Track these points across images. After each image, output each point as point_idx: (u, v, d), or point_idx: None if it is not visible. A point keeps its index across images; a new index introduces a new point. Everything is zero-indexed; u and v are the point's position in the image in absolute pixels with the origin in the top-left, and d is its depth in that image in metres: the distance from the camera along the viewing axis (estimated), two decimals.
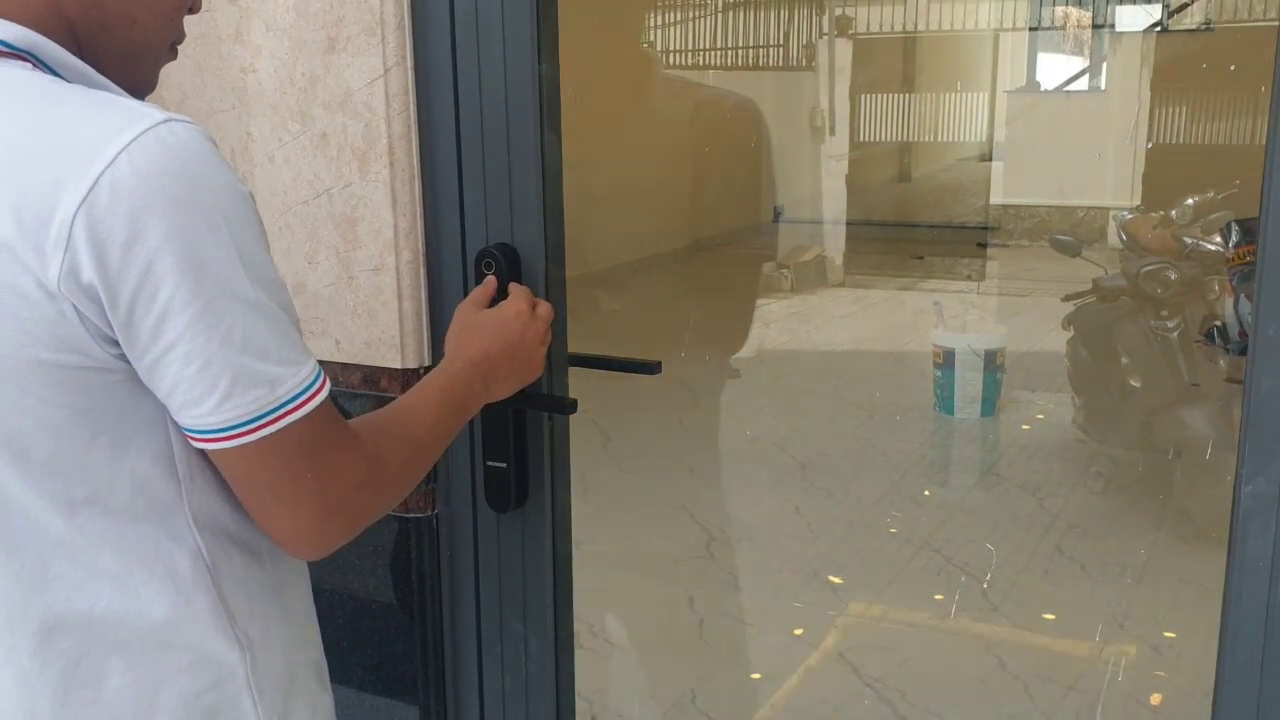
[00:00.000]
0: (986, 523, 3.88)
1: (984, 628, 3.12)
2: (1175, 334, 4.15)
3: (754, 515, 3.88)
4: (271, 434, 0.88)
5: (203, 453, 0.93)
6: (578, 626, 1.60)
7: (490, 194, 1.40)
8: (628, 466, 4.11)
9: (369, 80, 1.38)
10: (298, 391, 0.89)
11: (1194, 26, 9.34)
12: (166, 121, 0.83)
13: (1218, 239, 4.20)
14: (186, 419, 0.87)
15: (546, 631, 1.50)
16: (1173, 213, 4.43)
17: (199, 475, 0.93)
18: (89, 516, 0.90)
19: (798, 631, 3.11)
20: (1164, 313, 4.20)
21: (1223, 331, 3.94)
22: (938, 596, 3.29)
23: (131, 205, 0.80)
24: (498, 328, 1.24)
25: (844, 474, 4.37)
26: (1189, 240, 4.25)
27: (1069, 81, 9.99)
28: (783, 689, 2.85)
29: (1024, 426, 4.95)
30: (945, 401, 4.83)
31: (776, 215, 10.23)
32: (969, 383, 4.75)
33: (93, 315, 0.83)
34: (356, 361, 1.46)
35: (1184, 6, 9.03)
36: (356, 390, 1.47)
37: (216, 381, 0.85)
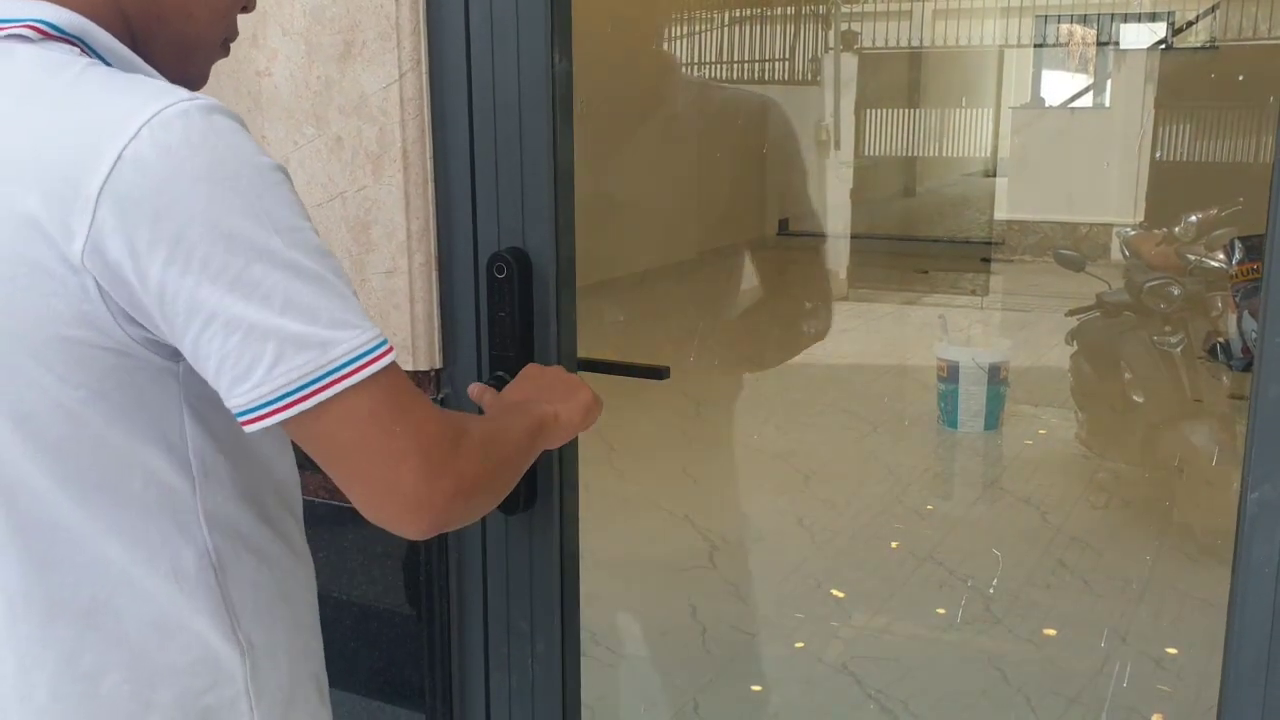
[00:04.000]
0: (989, 536, 3.88)
1: (986, 640, 3.11)
2: (1178, 349, 4.18)
3: (757, 526, 3.88)
4: (332, 398, 0.83)
5: (219, 452, 0.92)
6: (581, 634, 1.60)
7: (503, 198, 1.41)
8: (631, 476, 4.11)
9: (384, 85, 1.39)
10: (356, 355, 0.84)
11: (1199, 45, 9.38)
12: (191, 99, 0.83)
13: (1221, 255, 4.24)
14: (239, 398, 0.84)
15: (553, 633, 1.51)
16: (1176, 229, 4.47)
17: (214, 474, 0.93)
18: (99, 503, 0.90)
19: (799, 644, 3.11)
20: (1167, 328, 4.23)
21: (1226, 348, 3.95)
22: (940, 610, 3.29)
23: (156, 179, 0.80)
24: (554, 376, 1.24)
25: (848, 486, 4.37)
26: (1192, 256, 4.28)
27: (1074, 98, 10.02)
28: (785, 700, 2.85)
29: (1027, 441, 4.96)
30: (949, 415, 4.84)
31: (782, 228, 10.26)
32: (972, 396, 4.76)
33: (116, 294, 0.82)
34: None
35: (1190, 24, 9.07)
36: None
37: (263, 348, 0.82)
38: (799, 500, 4.07)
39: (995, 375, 4.75)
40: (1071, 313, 4.67)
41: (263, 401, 0.83)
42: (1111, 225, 7.48)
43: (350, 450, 0.86)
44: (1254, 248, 3.81)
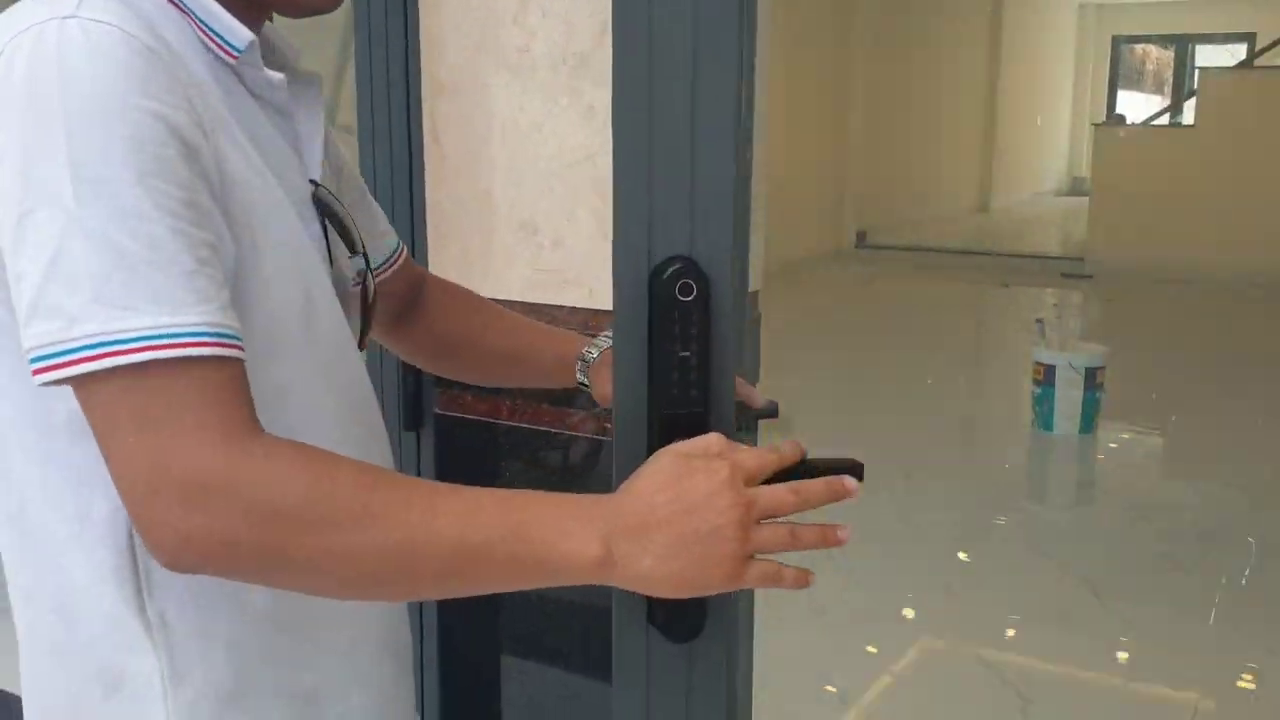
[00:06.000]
0: (1090, 537, 3.97)
1: (1092, 639, 3.18)
2: None
3: (860, 524, 3.98)
4: (80, 375, 0.72)
5: None
6: None
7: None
8: None
9: None
10: (112, 340, 0.71)
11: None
12: (66, 18, 0.74)
13: None
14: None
15: None
16: None
17: None
18: (22, 430, 0.83)
19: (871, 649, 3.17)
20: None
21: None
22: (1040, 605, 3.38)
23: None
24: (672, 471, 0.77)
25: (945, 485, 4.45)
26: None
27: (1153, 117, 10.05)
28: (863, 699, 2.93)
29: (1111, 444, 5.01)
30: (1044, 418, 4.91)
31: (860, 240, 10.37)
32: (1068, 400, 4.83)
33: None
34: (607, 307, 1.63)
35: (1273, 45, 9.09)
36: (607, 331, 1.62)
37: (21, 299, 0.74)
38: (898, 498, 4.16)
39: (1092, 380, 4.82)
40: None
41: (29, 354, 0.74)
42: None
43: (98, 436, 0.74)
44: None
